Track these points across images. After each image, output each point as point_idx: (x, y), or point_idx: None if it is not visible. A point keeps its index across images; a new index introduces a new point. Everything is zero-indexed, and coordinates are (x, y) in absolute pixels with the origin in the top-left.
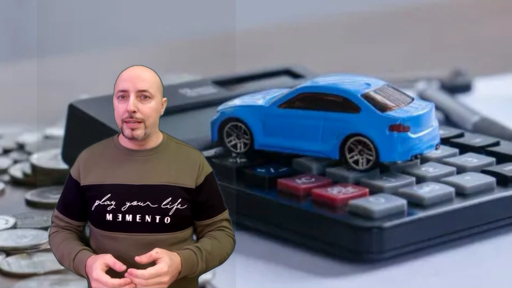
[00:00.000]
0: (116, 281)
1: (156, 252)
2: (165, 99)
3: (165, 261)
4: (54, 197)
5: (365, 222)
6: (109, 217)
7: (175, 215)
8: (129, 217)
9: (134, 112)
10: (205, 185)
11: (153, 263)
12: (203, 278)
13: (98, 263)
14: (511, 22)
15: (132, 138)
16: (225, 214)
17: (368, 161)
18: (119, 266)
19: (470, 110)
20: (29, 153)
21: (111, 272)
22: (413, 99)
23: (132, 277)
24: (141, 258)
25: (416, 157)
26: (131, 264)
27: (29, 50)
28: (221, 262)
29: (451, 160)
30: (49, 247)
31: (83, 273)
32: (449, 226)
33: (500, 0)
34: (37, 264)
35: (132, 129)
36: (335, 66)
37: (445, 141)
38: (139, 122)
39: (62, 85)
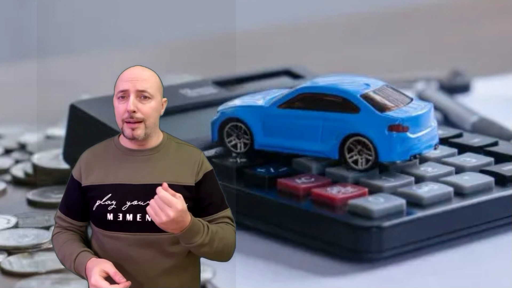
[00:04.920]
0: (115, 287)
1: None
2: (165, 99)
3: (181, 200)
4: (55, 196)
5: (364, 221)
6: (110, 216)
7: None
8: (129, 217)
9: (134, 112)
10: (204, 182)
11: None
12: (203, 277)
13: (98, 269)
14: (509, 23)
15: (132, 138)
16: (227, 212)
17: (367, 161)
18: (118, 277)
19: (469, 110)
20: (31, 153)
21: (110, 278)
22: (412, 99)
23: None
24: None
25: (415, 157)
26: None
27: (30, 51)
28: (226, 247)
29: (450, 160)
30: (50, 246)
31: (83, 275)
32: (448, 226)
33: (499, 1)
34: (39, 263)
35: (133, 129)
36: (335, 66)
37: (444, 141)
38: (139, 122)
39: (63, 86)
